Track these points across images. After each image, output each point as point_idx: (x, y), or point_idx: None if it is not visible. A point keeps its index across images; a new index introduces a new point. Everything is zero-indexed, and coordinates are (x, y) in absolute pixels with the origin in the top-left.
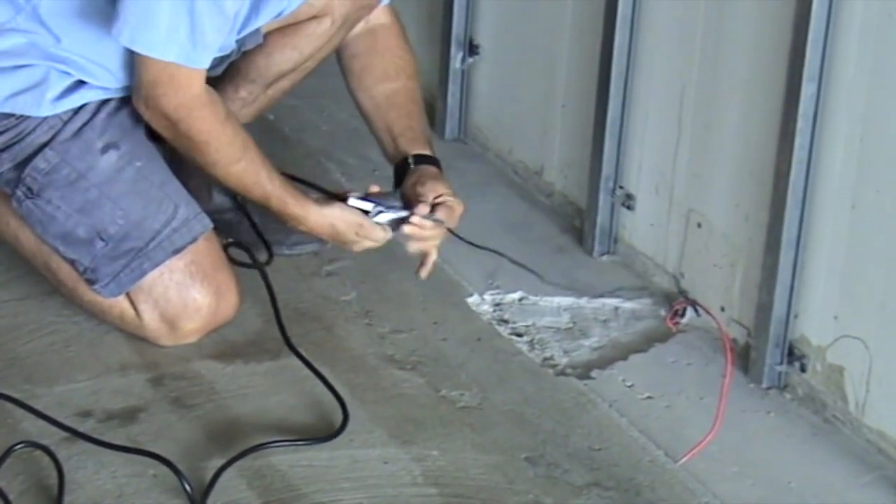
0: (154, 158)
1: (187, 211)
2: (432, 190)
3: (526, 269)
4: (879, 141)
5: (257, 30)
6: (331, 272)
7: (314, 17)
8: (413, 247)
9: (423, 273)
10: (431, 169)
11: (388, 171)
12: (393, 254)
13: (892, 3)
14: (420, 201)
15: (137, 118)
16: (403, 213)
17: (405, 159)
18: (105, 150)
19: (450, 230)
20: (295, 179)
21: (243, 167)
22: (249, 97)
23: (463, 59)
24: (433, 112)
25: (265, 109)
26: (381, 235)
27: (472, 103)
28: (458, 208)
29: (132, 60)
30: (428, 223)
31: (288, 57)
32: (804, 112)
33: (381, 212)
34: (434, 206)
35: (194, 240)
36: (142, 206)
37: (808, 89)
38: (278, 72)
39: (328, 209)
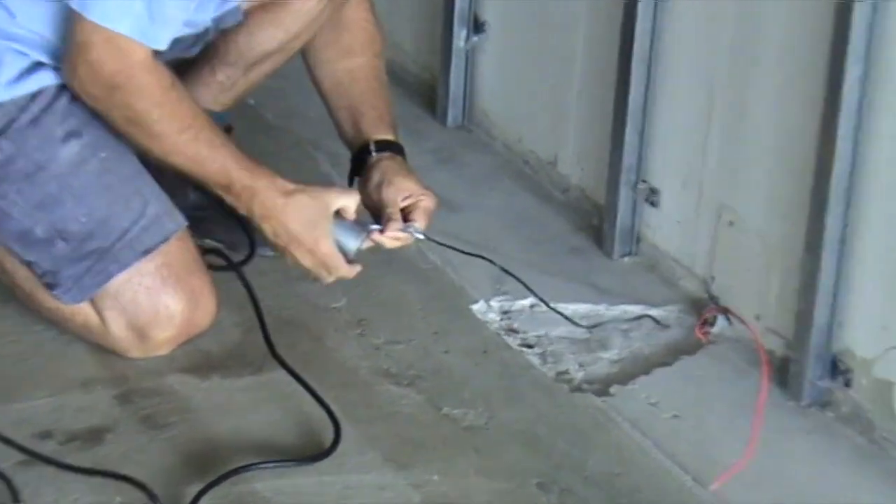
0: (121, 149)
1: (158, 207)
2: (400, 191)
3: (521, 282)
4: None
5: (236, 6)
6: None
7: None
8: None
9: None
10: (395, 162)
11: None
12: (388, 256)
13: None
14: (388, 213)
15: None
16: (374, 227)
17: (366, 145)
18: (66, 139)
19: (426, 236)
20: None
21: (192, 136)
22: (228, 81)
23: (467, 38)
24: (434, 97)
25: (245, 94)
26: (345, 267)
27: (477, 87)
28: (431, 205)
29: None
30: (403, 235)
31: (271, 36)
32: (848, 97)
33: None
34: (404, 210)
35: (166, 239)
36: (107, 201)
37: (853, 72)
38: (261, 53)
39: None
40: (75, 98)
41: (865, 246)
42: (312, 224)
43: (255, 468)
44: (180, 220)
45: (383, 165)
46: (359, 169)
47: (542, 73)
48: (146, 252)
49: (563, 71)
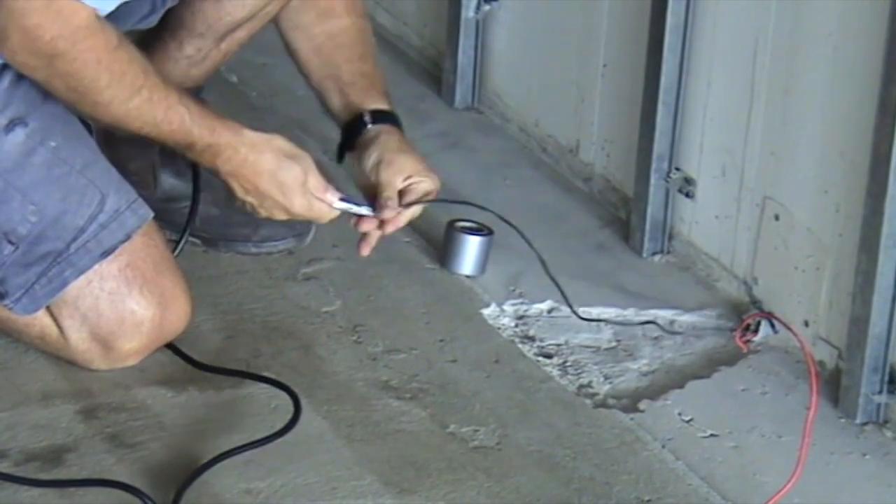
0: (74, 136)
1: (118, 200)
2: (399, 171)
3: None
4: None
5: None
6: (310, 276)
7: None
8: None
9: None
10: (393, 136)
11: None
12: (387, 255)
13: None
14: (384, 196)
15: None
16: (367, 212)
17: (359, 117)
18: (9, 127)
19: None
20: None
21: (146, 98)
22: (198, 55)
23: (478, 7)
24: (440, 74)
25: (218, 66)
26: (327, 210)
27: (488, 63)
28: (432, 188)
29: None
30: (403, 220)
31: (241, 2)
32: None
33: (343, 199)
34: (401, 193)
35: (128, 237)
36: (59, 197)
37: None
38: (232, 21)
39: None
40: (16, 81)
41: None
42: (283, 179)
43: (220, 461)
44: (144, 213)
45: (381, 141)
46: (350, 144)
47: (563, 47)
48: (106, 253)
49: (587, 44)
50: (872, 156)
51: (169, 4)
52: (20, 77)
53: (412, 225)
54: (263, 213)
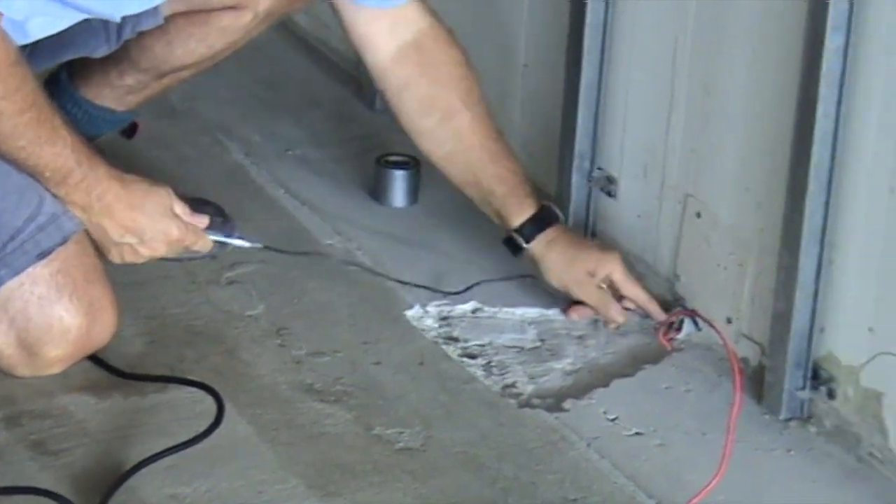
0: None
1: (55, 204)
2: (589, 279)
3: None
4: None
5: (156, 8)
6: (233, 280)
7: (231, 8)
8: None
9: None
10: (554, 250)
11: (303, 151)
12: (311, 257)
13: None
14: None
15: None
16: (240, 242)
17: (511, 239)
18: None
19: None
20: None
21: (35, 116)
22: (137, 86)
23: None
24: (361, 77)
25: (155, 97)
26: (203, 235)
27: None
28: (617, 265)
29: None
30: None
31: (192, 50)
32: (829, 71)
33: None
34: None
35: (65, 240)
36: None
37: (833, 41)
38: (178, 65)
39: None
40: None
41: (850, 239)
42: (156, 208)
43: (145, 465)
44: (79, 220)
45: (547, 260)
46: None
47: (483, 47)
48: (42, 255)
49: (507, 44)
50: (792, 153)
51: (126, 36)
52: None
53: (332, 225)
54: (144, 251)
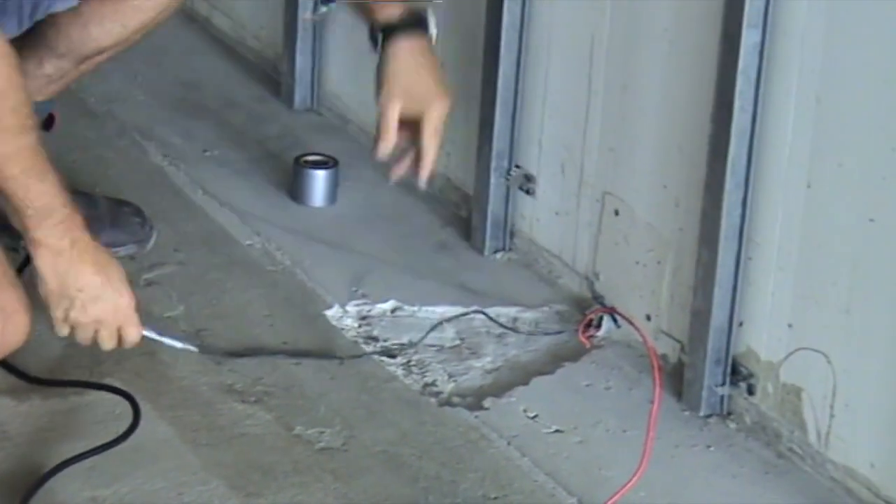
0: None
1: None
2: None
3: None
4: (840, 101)
5: None
6: (151, 281)
7: None
8: None
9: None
10: (398, 61)
11: (221, 152)
12: (230, 258)
13: None
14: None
15: None
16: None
17: (372, 36)
18: None
19: None
20: None
21: (31, 143)
22: (56, 74)
23: (315, 8)
24: (278, 76)
25: (73, 82)
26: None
27: (326, 64)
28: (438, 116)
29: None
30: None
31: (108, 30)
32: (745, 67)
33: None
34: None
35: None
36: None
37: (749, 38)
38: (95, 48)
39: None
40: None
41: (768, 235)
42: (117, 276)
43: (64, 468)
44: None
45: (389, 69)
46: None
47: None
48: None
49: None
50: (710, 150)
51: (37, 18)
52: None
53: (251, 226)
54: (92, 310)
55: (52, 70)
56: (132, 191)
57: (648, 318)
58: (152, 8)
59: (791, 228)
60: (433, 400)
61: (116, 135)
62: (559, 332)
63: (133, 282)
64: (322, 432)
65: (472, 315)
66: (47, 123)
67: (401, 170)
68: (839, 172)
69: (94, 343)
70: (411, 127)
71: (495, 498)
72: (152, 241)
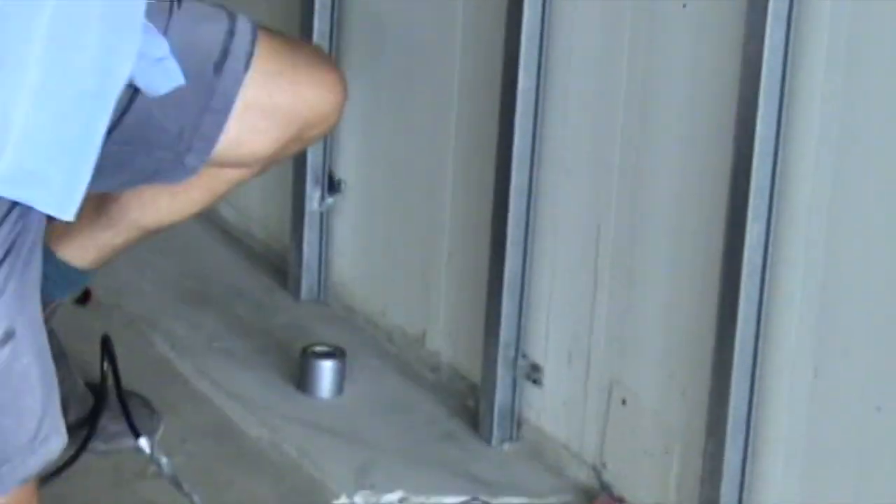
0: (42, 347)
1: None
2: None
3: None
4: (845, 286)
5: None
6: (160, 473)
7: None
8: None
9: None
10: None
11: (228, 343)
12: (237, 449)
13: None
14: None
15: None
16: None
17: None
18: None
19: None
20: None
21: None
22: (114, 238)
23: (322, 199)
24: (285, 266)
25: (113, 258)
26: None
27: (333, 254)
28: None
29: None
30: None
31: (176, 204)
32: (750, 259)
33: None
34: None
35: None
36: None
37: (753, 230)
38: (156, 221)
39: None
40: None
41: (775, 425)
42: None
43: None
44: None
45: None
46: None
47: (407, 237)
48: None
49: (431, 233)
50: (716, 339)
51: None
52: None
53: (258, 417)
54: None
55: (111, 234)
56: (139, 382)
57: None
58: (226, 182)
59: (798, 418)
60: None
61: (123, 326)
62: None
63: (141, 474)
64: None
65: None
66: (83, 298)
67: None
68: (845, 360)
69: None
70: None
71: None
72: (160, 433)
